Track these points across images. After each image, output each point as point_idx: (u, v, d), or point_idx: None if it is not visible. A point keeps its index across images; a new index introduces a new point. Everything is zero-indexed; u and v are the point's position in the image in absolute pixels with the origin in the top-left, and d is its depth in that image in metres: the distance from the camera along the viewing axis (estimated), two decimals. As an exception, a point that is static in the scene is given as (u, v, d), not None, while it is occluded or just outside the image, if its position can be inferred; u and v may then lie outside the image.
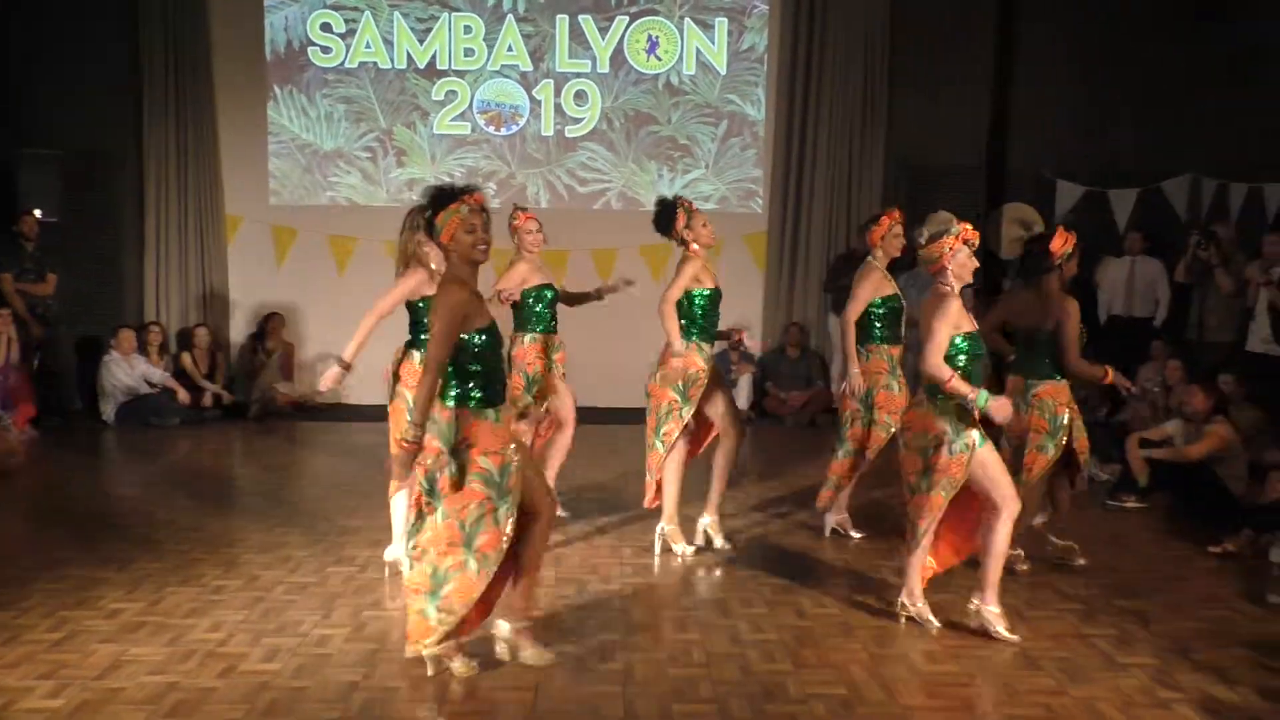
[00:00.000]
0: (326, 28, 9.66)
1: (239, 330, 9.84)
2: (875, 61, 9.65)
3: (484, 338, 3.73)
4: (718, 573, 5.14)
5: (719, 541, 5.46)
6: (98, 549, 5.29)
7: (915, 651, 4.16)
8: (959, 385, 4.11)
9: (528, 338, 5.66)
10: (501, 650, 3.98)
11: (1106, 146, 9.65)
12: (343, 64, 9.69)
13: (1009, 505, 4.22)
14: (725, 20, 9.77)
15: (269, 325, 9.54)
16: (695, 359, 5.18)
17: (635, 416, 5.95)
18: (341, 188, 9.82)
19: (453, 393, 3.72)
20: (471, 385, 3.71)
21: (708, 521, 5.48)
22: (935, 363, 4.13)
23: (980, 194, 9.76)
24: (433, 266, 4.58)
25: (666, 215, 5.22)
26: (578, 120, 9.80)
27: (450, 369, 3.69)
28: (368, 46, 9.68)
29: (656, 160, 9.87)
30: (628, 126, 9.83)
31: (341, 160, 9.80)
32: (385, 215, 9.79)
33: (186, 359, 9.29)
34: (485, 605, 3.93)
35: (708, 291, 5.23)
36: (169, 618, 4.39)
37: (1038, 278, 5.05)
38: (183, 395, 8.95)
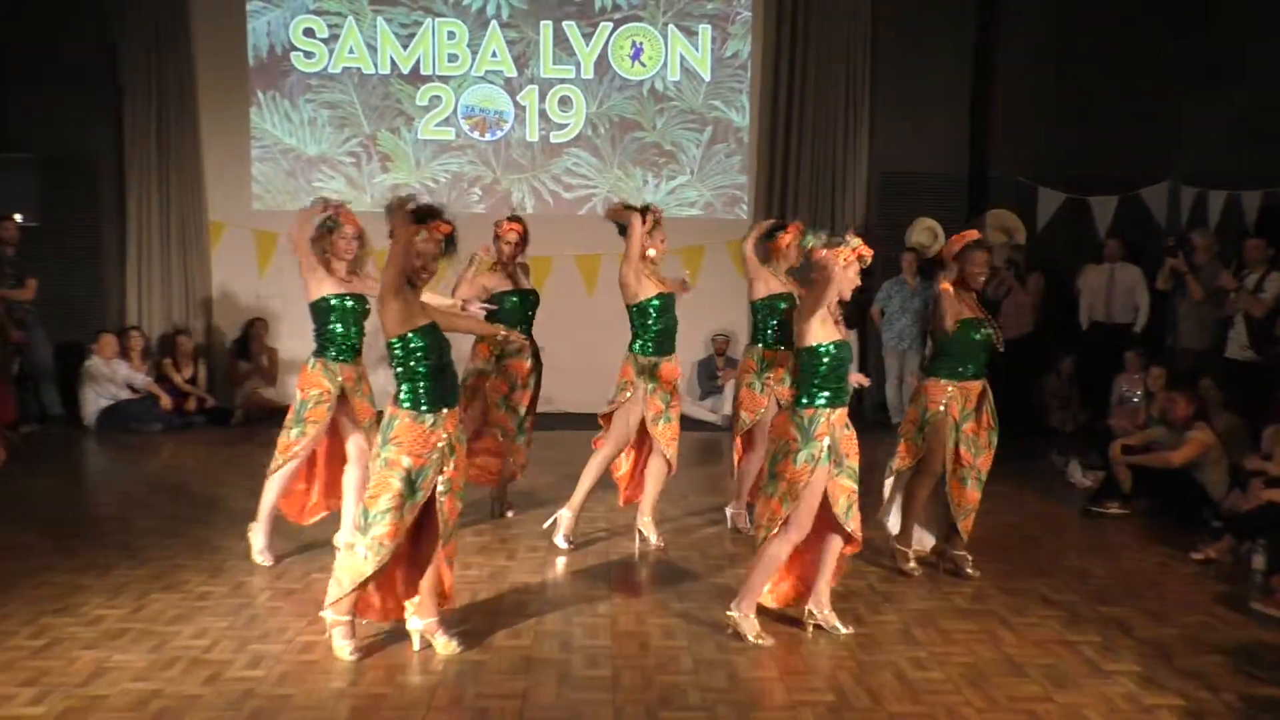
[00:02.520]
0: (309, 33, 9.63)
1: (222, 336, 9.78)
2: (857, 69, 9.71)
3: (421, 340, 3.90)
4: (705, 581, 5.14)
5: (654, 538, 5.60)
6: (78, 555, 5.25)
7: (902, 659, 4.17)
8: None
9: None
10: (417, 643, 4.14)
11: (1087, 154, 9.73)
12: (326, 69, 9.66)
13: (794, 531, 4.17)
14: (709, 27, 9.80)
15: (252, 331, 9.49)
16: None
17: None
18: (325, 193, 9.76)
19: (404, 396, 3.92)
20: (420, 388, 3.91)
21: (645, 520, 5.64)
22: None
23: (962, 201, 9.83)
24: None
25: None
26: (562, 126, 9.80)
27: (399, 371, 3.93)
28: (351, 52, 9.66)
29: (642, 166, 9.89)
30: (613, 132, 9.84)
31: (325, 165, 9.76)
32: (370, 221, 9.60)
33: (169, 364, 9.23)
34: (394, 599, 4.17)
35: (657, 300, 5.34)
36: (152, 624, 4.36)
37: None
38: (165, 401, 8.90)
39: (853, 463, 4.24)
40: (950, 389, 5.10)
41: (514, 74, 9.72)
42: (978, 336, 5.10)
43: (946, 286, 5.14)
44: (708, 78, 9.85)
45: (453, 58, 9.70)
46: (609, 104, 9.81)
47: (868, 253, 4.25)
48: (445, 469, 3.95)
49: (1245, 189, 8.60)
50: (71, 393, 8.92)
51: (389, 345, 3.95)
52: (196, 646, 4.14)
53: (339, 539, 5.19)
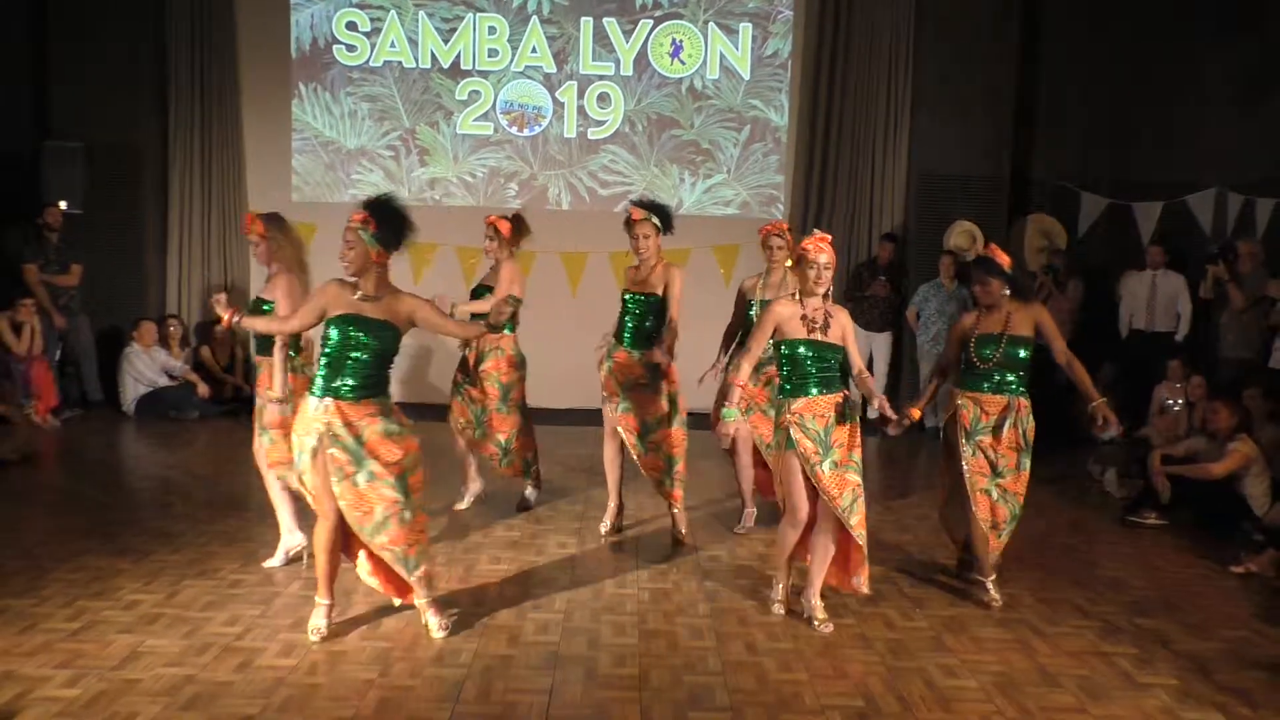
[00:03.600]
0: (352, 26, 9.70)
1: (259, 325, 9.87)
2: (899, 69, 9.63)
3: (329, 330, 4.10)
4: (735, 581, 5.11)
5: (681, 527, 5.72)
6: (115, 540, 5.33)
7: (933, 665, 4.13)
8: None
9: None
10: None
11: (1131, 159, 9.58)
12: (367, 62, 9.73)
13: (789, 513, 4.43)
14: (749, 25, 9.75)
15: (288, 321, 9.57)
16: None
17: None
18: (364, 186, 9.82)
19: (316, 375, 4.13)
20: (319, 369, 4.12)
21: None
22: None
23: (1003, 204, 9.71)
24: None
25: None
26: (600, 123, 9.80)
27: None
28: (393, 45, 9.71)
29: (678, 164, 9.86)
30: (650, 130, 9.82)
31: (364, 158, 9.83)
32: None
33: (206, 352, 9.35)
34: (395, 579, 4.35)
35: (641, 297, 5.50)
36: (186, 610, 4.41)
37: None
38: (202, 388, 9.02)
39: (851, 454, 4.35)
40: (961, 399, 5.00)
41: (553, 70, 9.73)
42: (983, 353, 4.92)
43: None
44: (747, 76, 9.80)
45: (493, 53, 9.72)
46: (647, 101, 9.79)
47: (808, 246, 4.38)
48: (333, 453, 4.02)
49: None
50: (111, 379, 9.06)
51: None
52: (229, 634, 4.18)
53: None
